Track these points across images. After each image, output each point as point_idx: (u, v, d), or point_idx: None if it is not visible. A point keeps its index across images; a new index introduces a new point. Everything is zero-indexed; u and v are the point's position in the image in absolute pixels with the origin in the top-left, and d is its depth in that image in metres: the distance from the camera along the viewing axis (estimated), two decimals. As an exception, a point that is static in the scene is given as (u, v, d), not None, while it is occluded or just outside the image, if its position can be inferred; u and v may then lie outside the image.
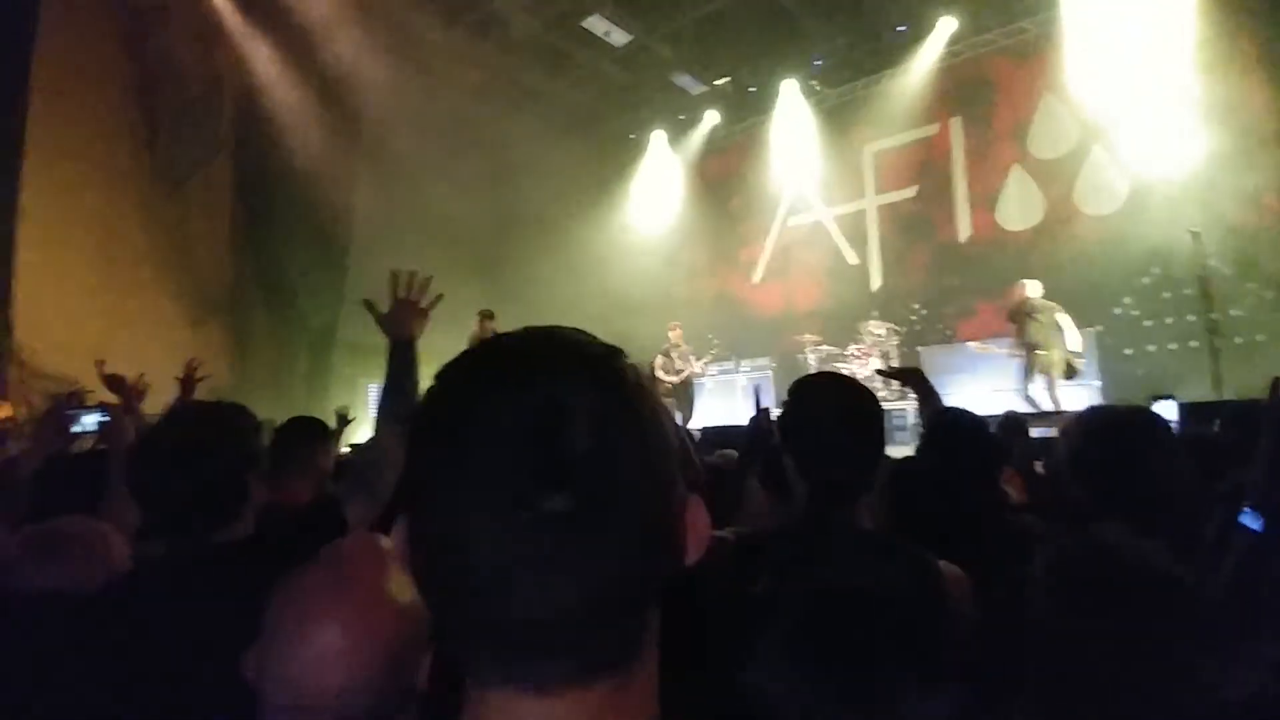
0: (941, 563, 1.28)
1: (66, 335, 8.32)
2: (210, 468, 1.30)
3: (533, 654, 0.44)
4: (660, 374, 8.69)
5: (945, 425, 2.09)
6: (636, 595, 0.46)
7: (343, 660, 0.78)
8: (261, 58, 9.39)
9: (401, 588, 0.83)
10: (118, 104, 9.22)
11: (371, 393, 10.04)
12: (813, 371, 9.58)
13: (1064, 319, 6.83)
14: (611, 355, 0.50)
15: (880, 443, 1.38)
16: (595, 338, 0.51)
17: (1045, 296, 7.30)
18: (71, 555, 1.37)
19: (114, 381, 2.53)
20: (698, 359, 9.03)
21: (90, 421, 2.28)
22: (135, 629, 1.12)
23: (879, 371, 2.64)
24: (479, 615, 0.43)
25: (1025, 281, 7.36)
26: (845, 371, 9.57)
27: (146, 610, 1.15)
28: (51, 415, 2.19)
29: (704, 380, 9.78)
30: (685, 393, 8.86)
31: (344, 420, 4.02)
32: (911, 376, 2.47)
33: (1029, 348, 7.00)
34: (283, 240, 9.76)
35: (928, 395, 2.34)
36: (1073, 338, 6.74)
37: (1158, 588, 0.95)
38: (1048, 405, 6.68)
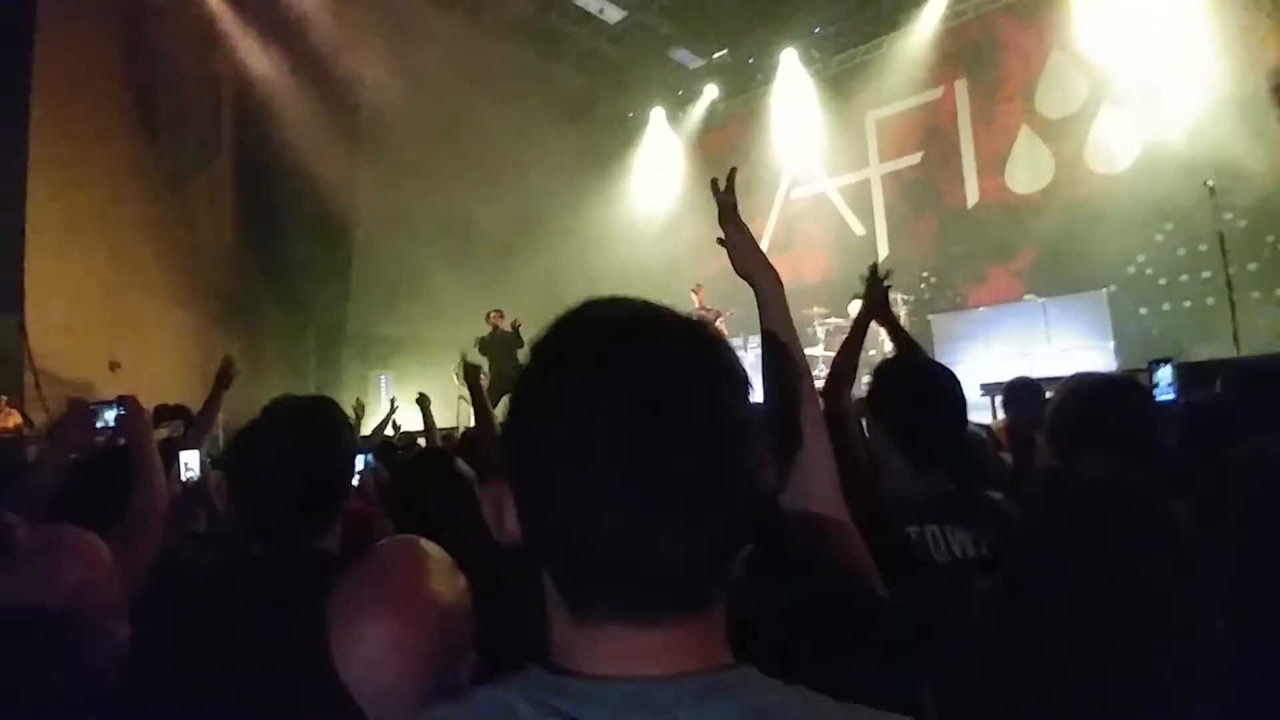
0: None
1: (78, 340, 8.39)
2: (316, 467, 1.24)
3: (651, 592, 0.49)
4: None
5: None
6: (739, 540, 0.52)
7: (390, 660, 0.79)
8: (258, 56, 9.35)
9: (443, 588, 0.83)
10: (119, 108, 9.21)
11: (383, 384, 10.08)
12: (819, 346, 9.56)
13: None
14: (703, 325, 0.55)
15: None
16: (673, 309, 0.55)
17: (1057, 258, 7.19)
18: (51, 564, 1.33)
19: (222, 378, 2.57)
20: (719, 318, 8.76)
21: (109, 417, 2.29)
22: (235, 627, 1.11)
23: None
24: (610, 562, 0.48)
25: None
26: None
27: (247, 610, 1.13)
28: (73, 415, 2.20)
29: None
30: None
31: (359, 413, 4.03)
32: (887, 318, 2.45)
33: None
34: (288, 237, 9.77)
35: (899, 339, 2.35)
36: None
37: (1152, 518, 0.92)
38: None
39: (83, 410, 2.21)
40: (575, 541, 0.49)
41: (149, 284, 8.95)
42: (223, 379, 2.60)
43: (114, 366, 8.42)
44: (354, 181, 9.63)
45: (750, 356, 8.45)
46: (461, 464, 2.00)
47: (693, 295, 8.82)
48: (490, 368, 7.89)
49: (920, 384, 1.57)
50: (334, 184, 9.40)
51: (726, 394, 0.51)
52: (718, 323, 8.54)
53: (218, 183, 9.76)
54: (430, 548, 0.88)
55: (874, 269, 2.35)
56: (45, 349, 8.21)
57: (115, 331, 8.65)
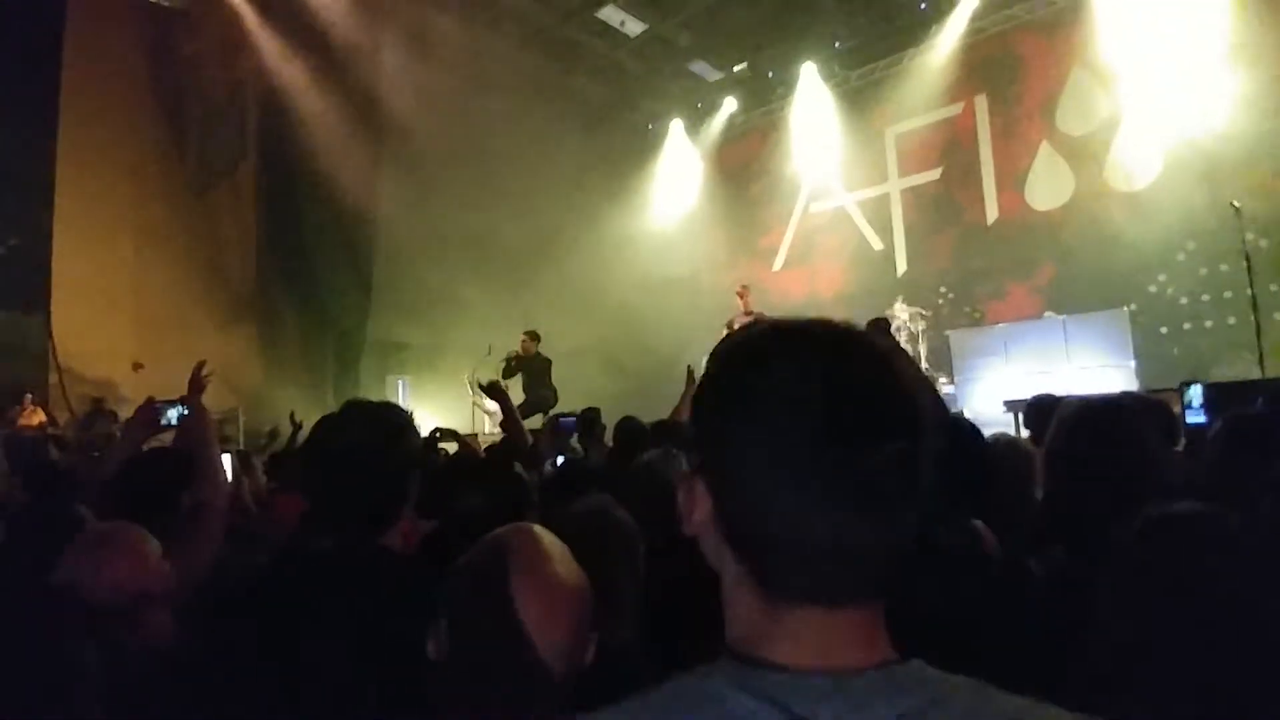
0: None
1: (102, 341, 8.52)
2: (381, 468, 1.30)
3: (837, 574, 0.52)
4: None
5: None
6: (917, 532, 0.54)
7: (537, 636, 0.84)
8: (283, 63, 9.49)
9: (570, 573, 0.89)
10: (145, 113, 9.39)
11: (400, 389, 10.15)
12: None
13: None
14: (878, 321, 0.65)
15: None
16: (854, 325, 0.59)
17: (1077, 275, 7.13)
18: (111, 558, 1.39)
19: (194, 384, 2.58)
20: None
21: (173, 415, 2.34)
22: (305, 617, 1.15)
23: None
24: (806, 545, 0.51)
25: None
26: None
27: (314, 600, 1.17)
28: (143, 412, 2.25)
29: None
30: None
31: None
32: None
33: None
34: (310, 242, 9.88)
35: None
36: None
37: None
38: None
39: (150, 409, 2.27)
40: (773, 528, 0.52)
41: (173, 286, 9.08)
42: (195, 385, 2.56)
43: (137, 367, 8.54)
44: (376, 188, 9.74)
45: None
46: (519, 468, 2.02)
47: (738, 299, 8.58)
48: (523, 386, 8.01)
49: None
50: (356, 190, 9.50)
51: (912, 391, 0.55)
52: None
53: (242, 187, 9.90)
54: (545, 535, 0.94)
55: None
56: (70, 349, 8.34)
57: (139, 332, 8.78)
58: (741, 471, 0.53)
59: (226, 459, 2.56)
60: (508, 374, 8.12)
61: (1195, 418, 2.33)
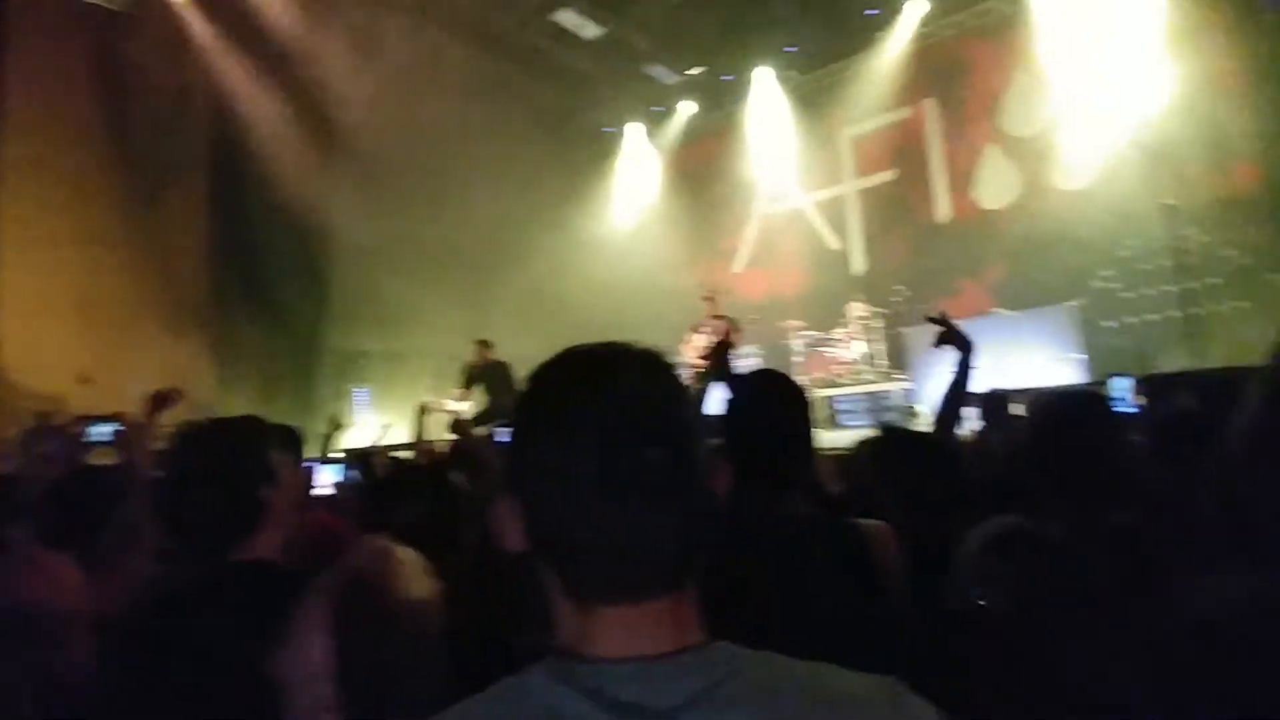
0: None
1: (49, 354, 8.23)
2: (223, 485, 1.30)
3: (632, 571, 0.59)
4: (692, 352, 7.96)
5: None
6: (702, 527, 0.62)
7: (357, 655, 0.83)
8: (232, 67, 9.29)
9: (414, 587, 0.87)
10: (90, 119, 9.09)
11: (357, 398, 9.99)
12: (797, 360, 9.62)
13: None
14: (664, 354, 0.69)
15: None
16: (638, 346, 0.68)
17: (1026, 273, 7.31)
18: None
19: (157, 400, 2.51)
20: (735, 329, 7.67)
21: (105, 432, 2.27)
22: (158, 649, 1.14)
23: (942, 319, 2.42)
24: (600, 548, 0.58)
25: None
26: (828, 355, 9.63)
27: (167, 630, 1.17)
28: (28, 437, 2.19)
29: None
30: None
31: (335, 427, 3.99)
32: (964, 345, 2.33)
33: None
34: (263, 249, 9.67)
35: (965, 372, 2.28)
36: None
37: None
38: None
39: (33, 436, 2.21)
40: (570, 536, 0.59)
41: (121, 297, 8.81)
42: (160, 402, 2.49)
43: (84, 380, 8.27)
44: (330, 194, 9.58)
45: (752, 363, 8.18)
46: (456, 476, 2.02)
47: (704, 303, 8.36)
48: (486, 394, 7.96)
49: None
50: (310, 197, 9.33)
51: (677, 405, 0.64)
52: (734, 332, 7.95)
53: (191, 194, 9.65)
54: (400, 551, 0.92)
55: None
56: (14, 362, 8.04)
57: (86, 345, 8.50)
58: (540, 487, 0.61)
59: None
60: (467, 384, 8.08)
61: (1123, 408, 2.44)
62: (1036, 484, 1.45)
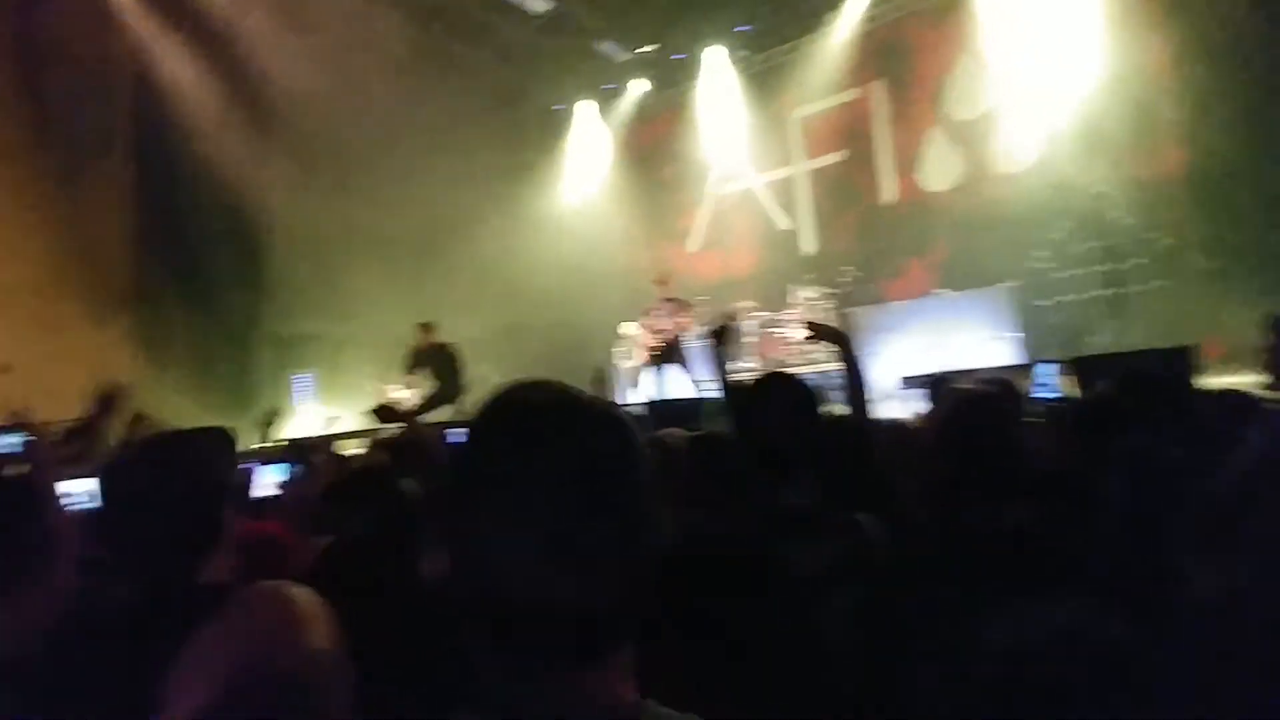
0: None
1: (-41, 343, 7.75)
2: (182, 502, 1.23)
3: (572, 636, 0.57)
4: (645, 335, 7.83)
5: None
6: (644, 593, 0.60)
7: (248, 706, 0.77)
8: (157, 42, 8.78)
9: (312, 635, 0.82)
10: (5, 94, 8.52)
11: (295, 385, 9.70)
12: (747, 339, 9.71)
13: None
14: (611, 407, 0.65)
15: None
16: (582, 391, 0.65)
17: (967, 254, 7.50)
18: None
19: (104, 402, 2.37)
20: (687, 310, 7.76)
21: (12, 442, 2.12)
22: (106, 675, 1.06)
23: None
24: (535, 606, 0.56)
25: None
26: (778, 336, 9.76)
27: (119, 655, 1.08)
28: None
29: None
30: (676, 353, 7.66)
31: (271, 417, 3.82)
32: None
33: None
34: (193, 232, 9.25)
35: (851, 361, 2.35)
36: None
37: None
38: None
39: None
40: (506, 597, 0.57)
41: (41, 282, 8.34)
42: (106, 403, 2.37)
43: (2, 369, 7.82)
44: (264, 174, 9.19)
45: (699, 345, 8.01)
46: (409, 484, 1.94)
47: (655, 286, 8.30)
48: (431, 379, 7.79)
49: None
50: (242, 176, 8.95)
51: (628, 466, 0.61)
52: (685, 314, 7.98)
53: (115, 174, 9.14)
54: (300, 595, 0.86)
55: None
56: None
57: (7, 332, 8.04)
58: (478, 544, 0.59)
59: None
60: (412, 369, 7.91)
61: (1045, 393, 2.53)
62: (943, 476, 1.49)
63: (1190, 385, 2.64)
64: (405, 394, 8.30)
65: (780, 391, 1.72)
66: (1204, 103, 7.48)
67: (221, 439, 1.35)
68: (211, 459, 1.34)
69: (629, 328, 7.99)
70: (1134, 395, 2.20)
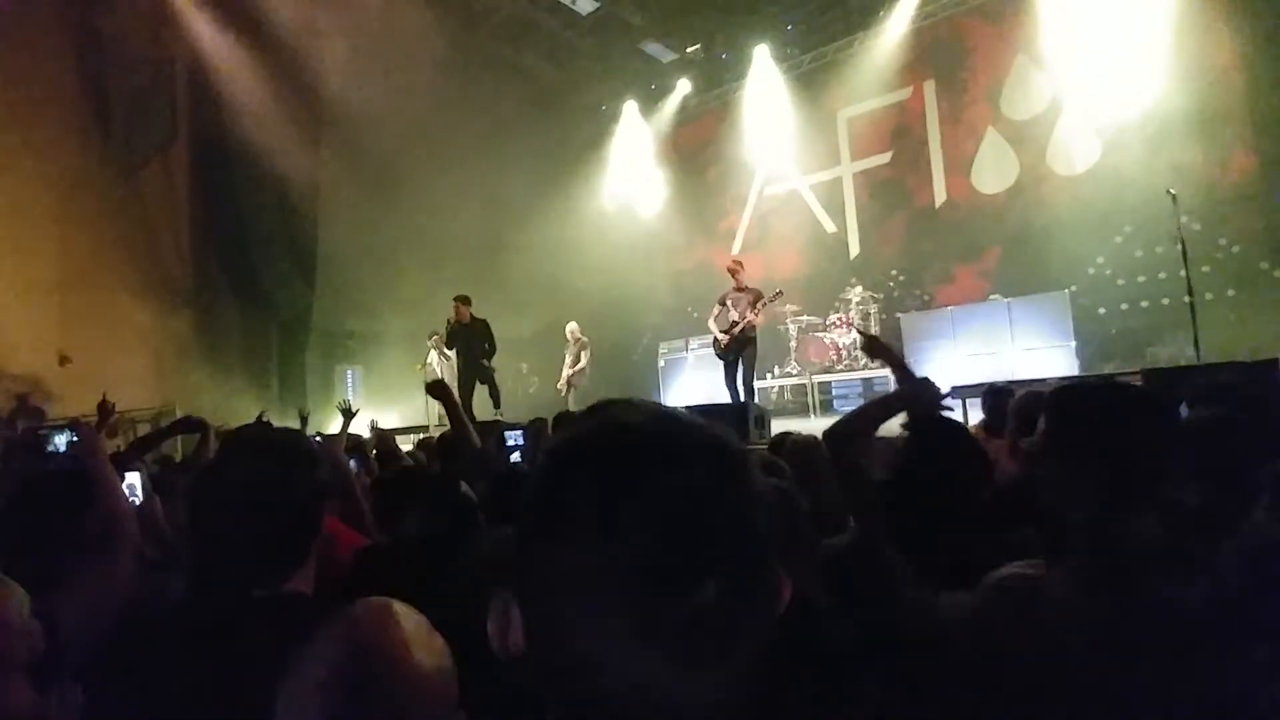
0: None
1: (27, 334, 8.07)
2: (281, 507, 1.17)
3: None
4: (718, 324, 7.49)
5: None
6: (754, 677, 0.46)
7: None
8: (215, 40, 9.03)
9: (426, 655, 0.78)
10: (70, 95, 8.85)
11: (349, 378, 9.88)
12: (791, 344, 9.56)
13: None
14: (725, 440, 0.50)
15: None
16: (699, 419, 0.51)
17: (1021, 258, 7.25)
18: None
19: (102, 409, 2.42)
20: (770, 298, 7.21)
21: (60, 442, 2.17)
22: (202, 680, 1.02)
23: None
24: (620, 692, 0.44)
25: None
26: (825, 340, 9.58)
27: (206, 660, 1.04)
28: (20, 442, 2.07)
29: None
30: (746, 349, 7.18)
31: (349, 414, 3.76)
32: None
33: None
34: (248, 227, 9.49)
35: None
36: None
37: None
38: None
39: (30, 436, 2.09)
40: (585, 680, 0.45)
41: (102, 276, 8.64)
42: (103, 414, 2.41)
43: (64, 361, 8.12)
44: (318, 171, 9.38)
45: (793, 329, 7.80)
46: (466, 489, 1.90)
47: (730, 274, 7.64)
48: (458, 357, 7.80)
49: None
50: (297, 173, 9.13)
51: (744, 515, 0.47)
52: (766, 301, 7.34)
53: (173, 171, 9.44)
54: (403, 611, 0.81)
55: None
56: (-7, 344, 7.89)
57: (67, 325, 8.35)
58: (554, 613, 0.46)
59: (137, 476, 2.37)
60: (449, 344, 7.92)
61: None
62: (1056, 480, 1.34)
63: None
64: (438, 367, 8.43)
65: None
66: (1274, 103, 7.13)
67: (307, 442, 1.28)
68: (314, 463, 1.28)
69: (711, 323, 7.53)
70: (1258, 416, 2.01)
